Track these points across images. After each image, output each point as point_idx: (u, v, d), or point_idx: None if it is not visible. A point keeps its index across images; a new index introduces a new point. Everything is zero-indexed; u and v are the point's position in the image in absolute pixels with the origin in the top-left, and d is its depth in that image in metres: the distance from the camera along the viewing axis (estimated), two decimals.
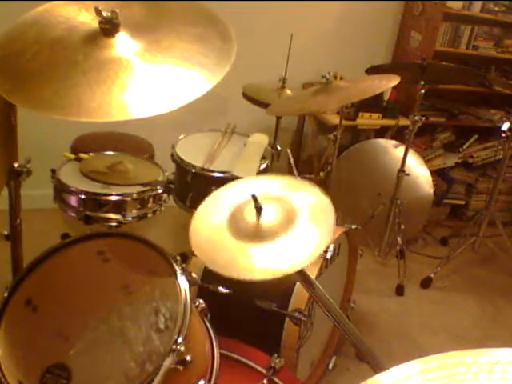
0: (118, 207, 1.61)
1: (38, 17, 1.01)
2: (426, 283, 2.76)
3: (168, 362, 0.79)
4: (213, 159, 1.85)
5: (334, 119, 2.90)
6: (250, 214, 0.79)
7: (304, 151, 3.43)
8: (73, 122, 0.87)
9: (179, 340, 0.93)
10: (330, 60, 3.21)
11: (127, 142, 2.42)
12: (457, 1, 3.07)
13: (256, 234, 0.76)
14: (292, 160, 2.24)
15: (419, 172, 2.99)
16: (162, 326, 0.98)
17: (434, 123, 3.31)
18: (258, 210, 0.77)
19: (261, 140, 1.93)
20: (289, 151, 2.26)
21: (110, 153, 1.85)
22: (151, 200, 1.69)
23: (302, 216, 0.79)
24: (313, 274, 1.49)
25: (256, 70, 2.84)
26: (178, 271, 1.05)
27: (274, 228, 0.77)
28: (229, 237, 0.77)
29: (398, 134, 3.04)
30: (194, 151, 1.87)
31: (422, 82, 2.48)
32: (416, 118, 2.52)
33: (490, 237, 3.03)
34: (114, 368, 0.93)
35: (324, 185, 2.40)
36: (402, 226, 2.71)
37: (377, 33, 3.35)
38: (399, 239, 2.70)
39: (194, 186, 1.79)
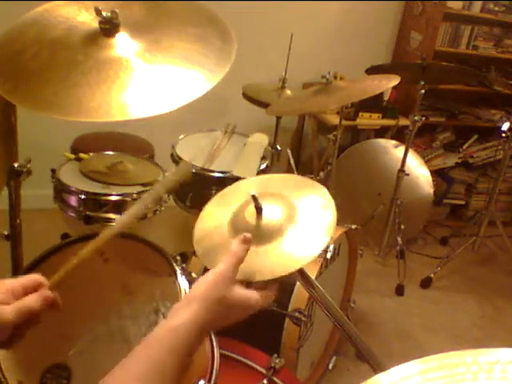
0: (118, 207, 1.61)
1: (38, 17, 1.01)
2: (425, 283, 2.76)
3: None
4: (213, 159, 1.85)
5: (334, 119, 2.90)
6: (250, 215, 0.78)
7: (304, 151, 3.43)
8: (73, 122, 0.87)
9: None
10: (330, 60, 3.21)
11: (127, 141, 2.42)
12: (457, 1, 3.07)
13: (256, 235, 0.76)
14: (292, 160, 2.24)
15: (419, 172, 2.99)
16: None
17: (434, 123, 3.31)
18: (259, 210, 0.77)
19: (261, 140, 1.93)
20: (289, 151, 2.26)
21: (110, 153, 1.85)
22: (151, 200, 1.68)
23: (303, 212, 0.79)
24: (313, 274, 1.49)
25: (256, 69, 2.84)
26: (178, 271, 1.05)
27: (274, 227, 0.77)
28: (229, 238, 0.77)
29: (398, 134, 3.05)
30: (194, 151, 1.87)
31: (422, 82, 2.48)
32: (416, 118, 2.53)
33: (490, 237, 3.03)
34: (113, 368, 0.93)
35: (324, 185, 2.39)
36: (402, 226, 2.71)
37: (377, 33, 3.35)
38: (399, 239, 2.70)
39: (194, 185, 1.79)
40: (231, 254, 0.68)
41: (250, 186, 0.90)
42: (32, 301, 0.67)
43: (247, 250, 0.70)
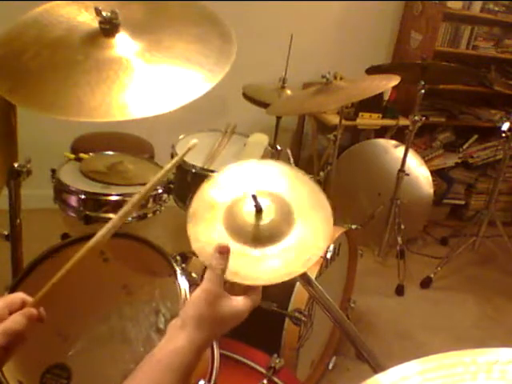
0: (118, 207, 1.61)
1: (38, 17, 1.01)
2: (425, 283, 2.76)
3: None
4: (213, 159, 1.84)
5: (334, 119, 2.90)
6: (248, 214, 0.78)
7: (304, 151, 3.43)
8: (73, 122, 0.87)
9: None
10: (330, 60, 3.21)
11: (127, 141, 2.42)
12: (457, 1, 3.07)
13: (255, 237, 0.76)
14: (292, 160, 2.24)
15: (419, 172, 2.99)
16: (161, 326, 0.98)
17: (434, 123, 3.32)
18: (258, 210, 0.77)
19: (261, 140, 1.93)
20: (289, 151, 2.26)
21: (110, 153, 1.85)
22: (151, 200, 1.69)
23: (300, 217, 0.79)
24: (313, 274, 1.49)
25: (256, 70, 2.84)
26: (178, 271, 1.05)
27: (272, 231, 0.77)
28: (229, 239, 0.77)
29: (398, 134, 3.05)
30: (194, 151, 1.86)
31: (422, 82, 2.48)
32: (416, 117, 2.53)
33: (490, 237, 3.03)
34: (114, 368, 0.93)
35: (324, 185, 2.40)
36: (402, 226, 2.71)
37: (377, 33, 3.35)
38: (399, 239, 2.70)
39: (194, 185, 1.78)
40: (213, 269, 0.70)
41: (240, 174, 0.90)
42: (16, 322, 0.67)
43: (227, 257, 0.71)
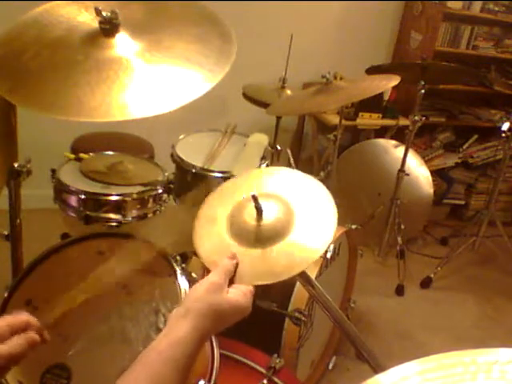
0: (118, 207, 1.61)
1: (38, 17, 1.01)
2: (425, 283, 2.76)
3: None
4: (213, 159, 1.84)
5: (334, 119, 2.90)
6: (249, 216, 0.78)
7: (304, 151, 3.43)
8: (73, 122, 0.87)
9: None
10: (330, 60, 3.21)
11: (127, 141, 2.42)
12: (457, 1, 3.07)
13: (256, 237, 0.76)
14: (292, 160, 2.24)
15: (419, 172, 2.99)
16: (161, 326, 0.98)
17: (434, 123, 3.31)
18: (259, 210, 0.77)
19: (261, 140, 1.93)
20: (289, 151, 2.26)
21: (110, 153, 1.85)
22: (151, 200, 1.68)
23: (302, 215, 0.79)
24: (313, 274, 1.49)
25: (256, 70, 2.84)
26: (178, 271, 1.05)
27: (274, 229, 0.77)
28: (231, 242, 0.77)
29: (398, 134, 3.05)
30: (194, 151, 1.87)
31: (422, 82, 2.48)
32: (416, 117, 2.53)
33: (490, 237, 3.03)
34: (113, 368, 0.93)
35: (324, 185, 2.39)
36: (402, 226, 2.71)
37: (377, 33, 3.35)
38: (399, 239, 2.70)
39: (194, 185, 1.79)
40: (220, 266, 0.72)
41: (247, 183, 0.90)
42: (17, 346, 0.65)
43: (236, 264, 0.74)
